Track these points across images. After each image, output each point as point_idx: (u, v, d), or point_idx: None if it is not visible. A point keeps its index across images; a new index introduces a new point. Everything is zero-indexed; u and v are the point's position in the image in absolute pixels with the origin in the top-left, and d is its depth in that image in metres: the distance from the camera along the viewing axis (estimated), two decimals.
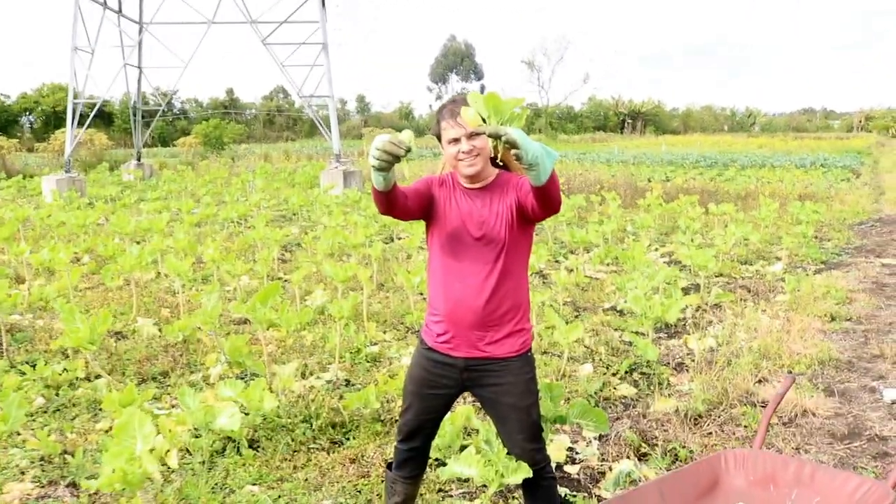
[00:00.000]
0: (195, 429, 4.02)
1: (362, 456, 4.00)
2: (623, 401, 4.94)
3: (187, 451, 4.03)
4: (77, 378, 5.25)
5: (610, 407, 4.82)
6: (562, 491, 3.61)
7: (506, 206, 2.56)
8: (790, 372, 5.34)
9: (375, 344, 6.05)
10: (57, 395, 5.00)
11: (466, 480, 3.59)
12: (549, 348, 5.89)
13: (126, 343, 6.12)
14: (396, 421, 3.01)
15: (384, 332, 6.40)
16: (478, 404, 4.16)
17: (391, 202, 2.42)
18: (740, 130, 78.26)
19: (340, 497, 3.61)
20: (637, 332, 6.08)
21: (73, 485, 3.75)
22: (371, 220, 11.29)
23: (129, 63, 25.63)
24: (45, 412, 4.71)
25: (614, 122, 76.76)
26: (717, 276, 8.70)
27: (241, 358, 4.95)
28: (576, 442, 4.22)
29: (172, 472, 3.79)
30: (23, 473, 3.87)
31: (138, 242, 10.03)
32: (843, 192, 18.84)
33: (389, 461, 3.04)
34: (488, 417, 2.85)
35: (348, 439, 4.25)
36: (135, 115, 27.52)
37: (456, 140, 2.53)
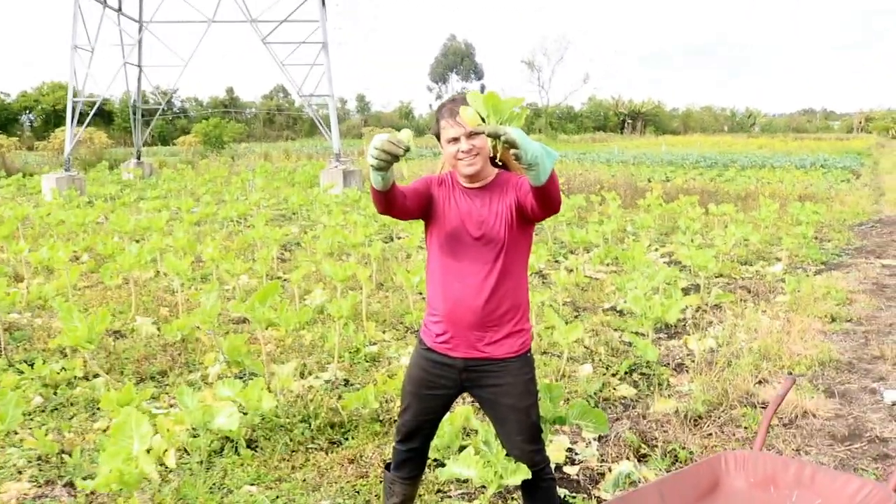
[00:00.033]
0: (193, 428, 4.01)
1: (361, 456, 3.98)
2: (623, 401, 4.92)
3: (185, 450, 4.01)
4: (75, 377, 5.23)
5: (609, 407, 4.80)
6: (561, 492, 3.59)
7: (505, 205, 2.55)
8: (790, 373, 5.33)
9: (374, 344, 6.04)
10: (55, 394, 4.98)
11: (465, 481, 3.57)
12: (548, 348, 5.88)
13: (125, 342, 6.11)
14: (395, 421, 2.99)
15: (383, 332, 6.39)
16: (477, 404, 4.14)
17: (390, 202, 2.41)
18: (740, 131, 78.24)
19: (339, 497, 3.59)
20: (637, 333, 6.06)
21: (71, 484, 3.74)
22: (370, 220, 11.28)
23: (128, 62, 25.62)
24: (43, 411, 4.69)
25: (614, 123, 76.74)
26: (717, 277, 8.68)
27: (239, 357, 4.93)
28: (575, 443, 4.21)
29: (170, 471, 3.78)
30: (20, 473, 3.86)
31: (137, 241, 10.01)
32: (843, 192, 18.83)
33: (388, 462, 3.03)
34: (487, 418, 2.83)
35: (347, 439, 4.24)
36: (135, 113, 27.50)
37: (455, 139, 2.51)
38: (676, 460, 3.98)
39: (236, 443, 4.09)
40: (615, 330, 6.49)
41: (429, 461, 3.21)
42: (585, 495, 3.66)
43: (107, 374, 5.28)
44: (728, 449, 4.03)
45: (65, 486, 3.74)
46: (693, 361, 5.59)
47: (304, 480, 3.75)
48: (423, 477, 3.22)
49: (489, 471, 2.72)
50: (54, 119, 49.19)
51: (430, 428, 2.89)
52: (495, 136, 2.06)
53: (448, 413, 3.35)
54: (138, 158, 27.17)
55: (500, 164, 2.66)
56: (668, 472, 3.80)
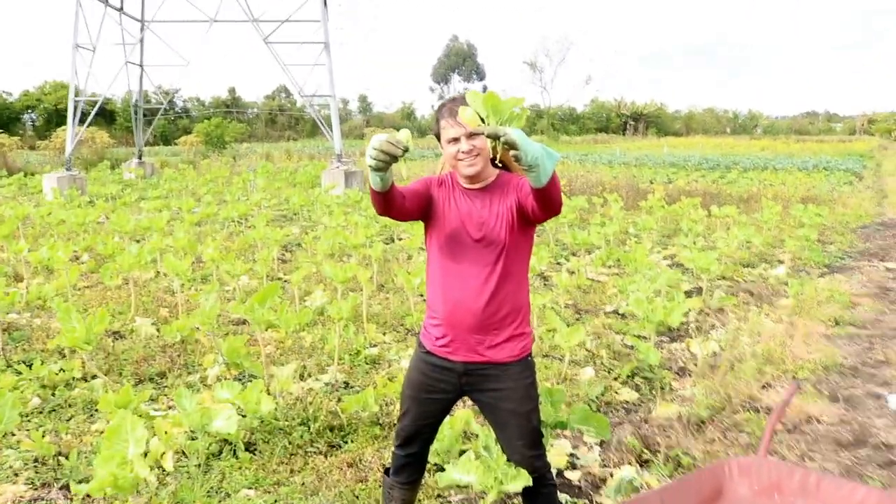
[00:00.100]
0: (191, 431, 3.98)
1: (360, 460, 3.94)
2: (625, 406, 4.88)
3: (183, 453, 3.97)
4: (74, 378, 5.19)
5: (611, 412, 4.76)
6: (562, 497, 3.55)
7: (506, 207, 2.51)
8: (795, 378, 5.29)
9: (375, 346, 6.00)
10: (53, 395, 4.95)
11: (465, 487, 3.53)
12: (550, 351, 5.84)
13: (124, 343, 6.07)
14: (395, 425, 2.96)
15: (384, 334, 6.35)
16: (477, 408, 4.10)
17: (389, 203, 2.37)
18: (743, 133, 78.22)
19: (337, 502, 3.55)
20: (639, 336, 6.02)
21: (67, 487, 3.70)
22: (372, 221, 11.24)
23: (130, 61, 25.61)
24: (41, 412, 4.66)
25: (616, 124, 76.73)
26: (719, 280, 8.64)
27: (238, 359, 4.90)
28: (577, 447, 4.17)
29: (167, 475, 3.74)
30: (16, 475, 3.82)
31: (138, 241, 9.98)
32: (845, 195, 18.77)
33: (387, 466, 3.00)
34: (487, 422, 2.80)
35: (346, 443, 4.20)
36: (136, 113, 27.50)
37: (455, 139, 2.48)
38: (679, 466, 3.94)
39: (235, 446, 4.06)
40: (617, 333, 6.45)
41: (428, 466, 3.18)
42: (587, 501, 3.62)
43: (105, 375, 5.24)
44: (731, 454, 3.99)
45: (61, 488, 3.70)
46: (696, 365, 5.55)
47: (303, 484, 3.71)
48: (423, 482, 3.19)
49: (489, 476, 2.68)
50: (56, 118, 49.22)
51: (429, 432, 2.86)
52: (495, 137, 2.02)
53: (448, 416, 3.32)
54: (140, 158, 27.17)
55: (500, 165, 2.63)
56: (670, 477, 3.76)
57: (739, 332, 6.38)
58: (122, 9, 24.27)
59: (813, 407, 4.68)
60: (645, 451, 4.09)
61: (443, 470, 3.06)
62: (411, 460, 2.88)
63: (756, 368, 5.36)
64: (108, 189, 18.82)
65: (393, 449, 2.91)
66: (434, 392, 2.69)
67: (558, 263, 9.60)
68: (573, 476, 3.84)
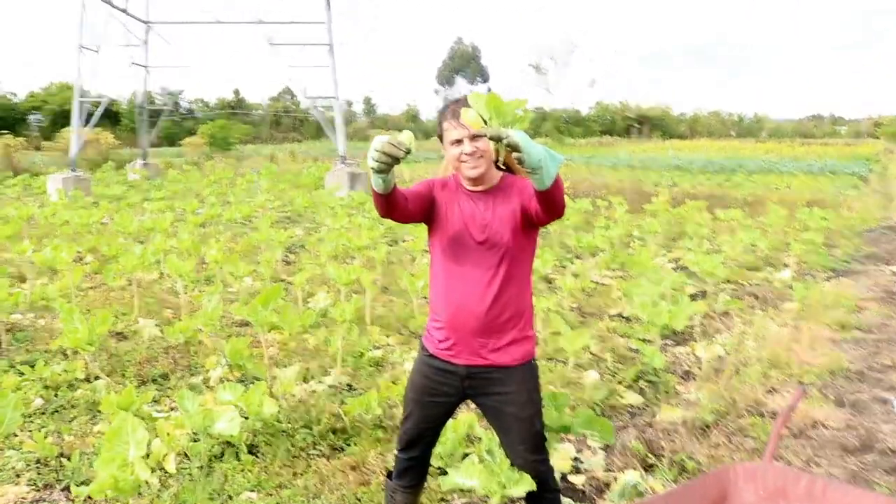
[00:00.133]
0: (194, 433, 3.97)
1: (363, 463, 3.92)
2: (629, 409, 4.85)
3: (185, 455, 3.96)
4: (76, 379, 5.19)
5: (616, 415, 4.74)
6: (566, 502, 3.53)
7: (509, 209, 2.49)
8: (800, 383, 5.25)
9: (378, 348, 5.99)
10: (56, 395, 4.94)
11: (468, 491, 3.51)
12: (554, 355, 5.81)
13: (127, 344, 6.07)
14: (398, 428, 2.94)
15: (387, 336, 6.33)
16: (480, 412, 4.08)
17: (391, 205, 2.35)
18: (748, 136, 78.05)
19: None
20: (644, 340, 6.00)
21: (69, 489, 3.69)
22: (376, 223, 11.23)
23: (135, 62, 25.66)
24: (44, 413, 4.65)
25: (621, 127, 76.61)
26: (724, 283, 8.60)
27: (241, 361, 4.89)
28: (581, 451, 4.14)
29: (170, 477, 3.73)
30: (18, 476, 3.82)
31: (142, 242, 9.99)
32: (851, 198, 18.72)
33: (390, 470, 2.98)
34: (491, 426, 2.78)
35: (349, 445, 4.18)
36: (141, 114, 27.55)
37: (459, 141, 2.46)
38: (684, 470, 3.91)
39: (237, 448, 4.04)
40: (622, 336, 6.43)
41: (431, 469, 3.15)
42: None
43: (108, 376, 5.23)
44: (736, 459, 3.97)
45: (63, 490, 3.69)
46: (700, 369, 5.52)
47: (305, 487, 3.69)
48: (426, 485, 3.17)
49: (492, 481, 2.66)
50: (62, 119, 49.29)
51: (431, 436, 2.84)
52: (497, 139, 1.99)
53: (451, 420, 3.30)
54: (144, 159, 27.22)
55: (503, 167, 2.61)
56: (675, 482, 3.73)
57: (744, 336, 6.35)
58: (126, 10, 24.31)
59: (819, 412, 4.65)
60: (649, 455, 4.07)
61: (446, 474, 3.04)
62: (414, 464, 2.86)
63: (761, 373, 5.34)
64: (112, 190, 18.85)
65: (395, 452, 2.89)
66: (437, 395, 2.68)
67: (563, 266, 9.57)
68: (577, 480, 3.82)
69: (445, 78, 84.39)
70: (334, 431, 4.30)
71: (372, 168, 2.16)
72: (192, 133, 46.31)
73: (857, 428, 4.48)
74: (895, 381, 5.30)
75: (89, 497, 3.43)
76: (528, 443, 2.65)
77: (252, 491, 3.67)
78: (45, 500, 3.60)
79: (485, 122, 2.07)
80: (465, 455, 3.74)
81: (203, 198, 17.33)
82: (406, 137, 2.15)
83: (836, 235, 12.67)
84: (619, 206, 13.83)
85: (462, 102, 2.40)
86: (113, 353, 5.78)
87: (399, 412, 4.37)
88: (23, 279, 8.36)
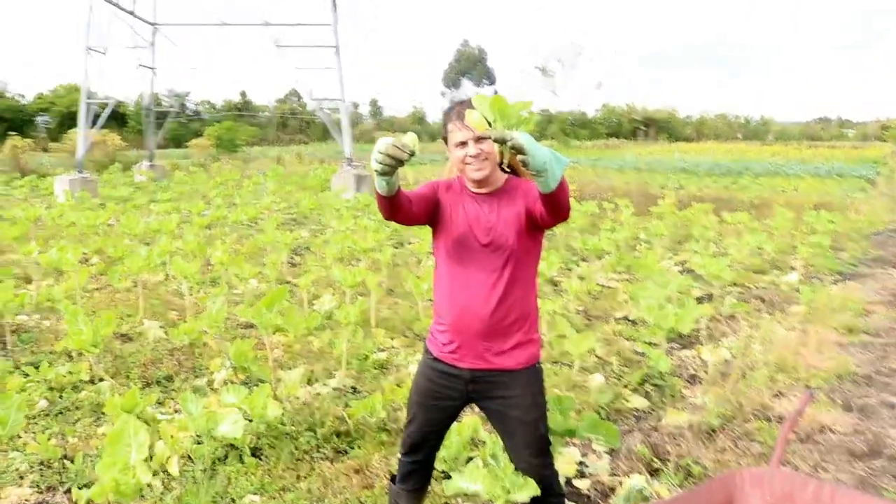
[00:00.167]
0: (198, 435, 3.96)
1: (367, 466, 3.91)
2: (635, 413, 4.82)
3: (189, 457, 3.95)
4: (81, 380, 5.18)
5: (621, 419, 4.71)
6: None
7: (514, 212, 2.47)
8: (807, 387, 5.22)
9: (383, 350, 5.97)
10: (60, 397, 4.93)
11: (472, 495, 3.49)
12: (559, 358, 5.78)
13: (132, 346, 6.06)
14: (402, 431, 2.92)
15: (392, 339, 6.32)
16: (485, 415, 4.06)
17: (395, 207, 2.34)
18: (754, 138, 77.84)
19: None
20: (650, 343, 5.97)
21: (72, 491, 3.68)
22: (381, 225, 11.22)
23: (142, 64, 25.73)
24: (48, 415, 4.65)
25: (628, 129, 76.49)
26: (731, 286, 8.56)
27: (246, 363, 4.88)
28: (586, 455, 4.12)
29: (173, 479, 3.72)
30: (21, 478, 3.81)
31: (148, 244, 10.00)
32: (858, 201, 18.64)
33: (393, 473, 2.96)
34: (495, 430, 2.76)
35: (353, 448, 4.16)
36: (147, 116, 27.62)
37: (463, 143, 2.45)
38: (689, 475, 3.88)
39: (241, 451, 4.03)
40: (627, 339, 6.40)
41: (435, 473, 3.14)
42: None
43: (113, 377, 5.23)
44: (743, 464, 3.94)
45: (66, 492, 3.68)
46: (707, 373, 5.49)
47: (309, 490, 3.68)
48: (429, 489, 3.15)
49: (496, 485, 2.64)
50: (69, 121, 49.47)
51: (435, 440, 2.83)
52: (502, 142, 1.97)
53: (456, 423, 3.28)
54: (151, 161, 27.28)
55: (508, 169, 2.59)
56: (680, 487, 3.71)
57: (751, 340, 6.32)
58: (133, 12, 24.38)
59: (826, 416, 4.62)
60: (655, 459, 4.04)
61: (449, 478, 3.03)
62: (417, 467, 2.84)
63: (768, 376, 5.30)
64: (118, 191, 18.89)
65: (399, 456, 2.88)
66: (441, 399, 2.66)
67: (568, 269, 9.55)
68: (582, 485, 3.79)
69: (451, 80, 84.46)
70: (338, 434, 4.29)
71: (376, 170, 2.14)
72: (198, 135, 46.43)
73: (865, 433, 4.44)
74: None
75: (91, 500, 3.42)
76: (532, 447, 2.63)
77: (255, 494, 3.65)
78: (47, 503, 3.59)
79: (489, 124, 2.05)
80: (470, 459, 3.72)
81: (209, 199, 17.36)
82: (410, 139, 2.13)
83: (843, 238, 12.61)
84: (626, 208, 13.81)
85: (467, 104, 2.39)
86: (118, 354, 5.78)
87: (403, 415, 4.34)
88: (29, 280, 8.37)
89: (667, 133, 75.39)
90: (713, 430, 4.43)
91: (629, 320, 7.12)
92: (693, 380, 5.49)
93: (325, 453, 4.09)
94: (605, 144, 62.10)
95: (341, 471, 3.86)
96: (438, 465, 3.46)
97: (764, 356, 5.82)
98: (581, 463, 4.02)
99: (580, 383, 5.24)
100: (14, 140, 31.28)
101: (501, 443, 2.77)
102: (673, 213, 13.69)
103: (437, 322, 2.65)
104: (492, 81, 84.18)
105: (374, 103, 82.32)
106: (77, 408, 4.75)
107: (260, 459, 4.00)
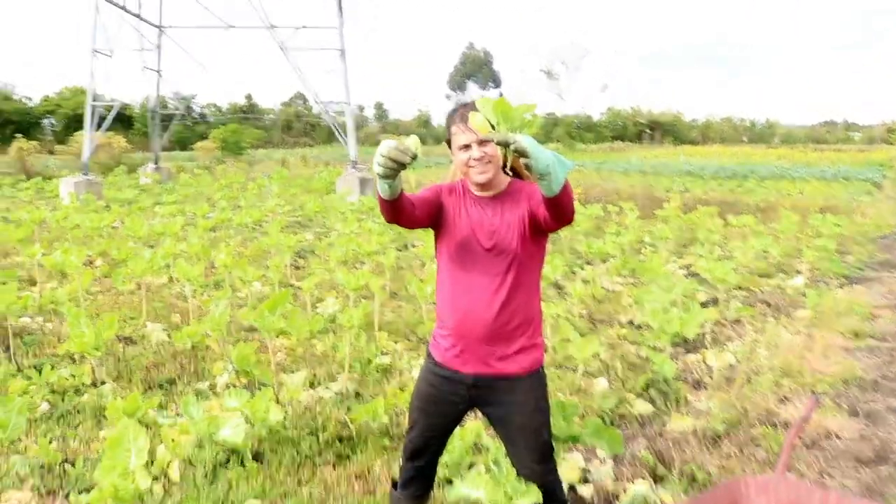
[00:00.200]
0: (199, 439, 3.94)
1: (368, 471, 3.88)
2: (639, 418, 4.78)
3: (190, 462, 3.93)
4: (83, 384, 5.17)
5: (625, 424, 4.67)
6: None
7: (517, 215, 2.45)
8: (813, 392, 5.17)
9: (386, 354, 5.94)
10: (62, 400, 4.92)
11: (474, 501, 3.46)
12: (563, 362, 5.75)
13: (135, 349, 6.05)
14: (404, 436, 2.90)
15: (396, 342, 6.29)
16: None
17: (397, 211, 2.32)
18: (760, 142, 77.71)
19: None
20: (654, 347, 5.93)
21: (71, 496, 3.66)
22: (386, 228, 11.20)
23: (148, 67, 25.79)
24: (50, 418, 4.63)
25: (633, 133, 76.47)
26: (736, 290, 8.52)
27: (248, 367, 4.86)
28: (589, 461, 4.08)
29: (173, 484, 3.70)
30: (22, 482, 3.79)
31: (152, 246, 10.00)
32: (865, 205, 18.56)
33: (395, 479, 2.94)
34: (497, 436, 2.73)
35: (355, 453, 4.13)
36: (153, 118, 27.68)
37: (467, 146, 2.42)
38: (694, 481, 3.84)
39: (242, 455, 4.00)
40: (632, 344, 6.36)
41: (437, 479, 3.11)
42: None
43: (115, 381, 5.22)
44: (748, 471, 3.90)
45: (66, 496, 3.66)
46: (712, 378, 5.45)
47: (310, 496, 3.65)
48: (431, 495, 3.12)
49: (498, 492, 2.61)
50: (75, 123, 49.67)
51: (437, 445, 2.80)
52: (505, 145, 1.94)
53: (458, 428, 3.26)
54: (156, 163, 27.34)
55: (511, 172, 2.56)
56: (685, 493, 3.67)
57: (756, 344, 6.27)
58: (140, 15, 24.45)
59: (832, 422, 4.58)
60: (659, 465, 4.01)
61: (451, 483, 3.00)
62: (419, 473, 2.82)
63: (773, 381, 5.26)
64: (124, 194, 18.92)
65: (400, 462, 2.85)
66: (443, 404, 2.64)
67: (573, 272, 9.51)
68: (586, 491, 3.76)
69: (457, 83, 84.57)
70: (340, 439, 4.27)
71: (378, 174, 2.12)
72: (203, 137, 46.57)
73: (872, 439, 4.40)
74: None
75: None
76: (535, 453, 2.60)
77: (256, 499, 3.62)
78: None
79: (493, 126, 2.02)
80: (472, 465, 3.69)
81: (214, 202, 17.37)
82: (412, 142, 2.10)
83: (849, 242, 12.55)
84: (631, 211, 13.76)
85: (471, 106, 2.37)
86: (120, 357, 5.77)
87: (406, 420, 4.33)
88: (33, 282, 8.37)
89: (672, 136, 75.38)
90: (718, 436, 4.39)
91: (634, 324, 7.08)
92: (698, 385, 5.45)
93: (326, 458, 4.06)
94: (610, 147, 62.05)
95: (343, 476, 3.83)
96: (440, 471, 3.43)
97: (769, 361, 5.78)
98: (584, 469, 3.99)
99: (584, 388, 5.20)
100: (20, 142, 31.41)
101: (504, 449, 2.74)
102: (678, 216, 13.64)
103: (439, 326, 2.63)
104: (497, 84, 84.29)
105: (379, 106, 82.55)
106: (79, 411, 4.74)
107: (261, 464, 3.97)
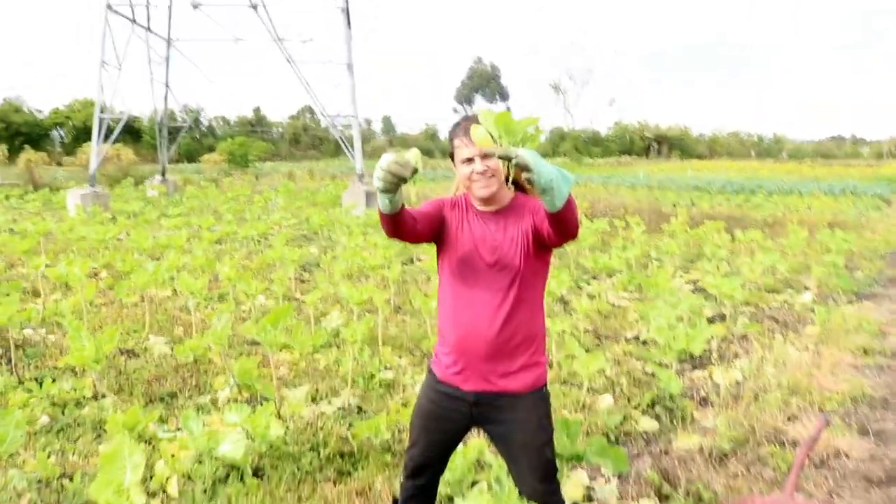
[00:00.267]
0: (198, 455, 3.89)
1: (370, 488, 3.83)
2: (644, 436, 4.72)
3: (189, 477, 3.88)
4: (84, 397, 5.14)
5: (630, 442, 4.61)
6: None
7: (521, 230, 2.41)
8: (822, 411, 5.10)
9: (390, 369, 5.89)
10: (63, 413, 4.89)
11: None
12: (568, 378, 5.69)
13: (136, 361, 6.02)
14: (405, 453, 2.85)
15: (399, 357, 6.24)
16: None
17: (398, 225, 2.28)
18: (767, 156, 77.59)
19: None
20: (660, 364, 5.87)
21: None
22: (390, 242, 11.17)
23: (156, 79, 25.94)
24: (49, 431, 4.59)
25: (640, 147, 76.48)
26: (743, 306, 8.45)
27: (250, 381, 4.82)
28: (594, 479, 4.02)
29: (172, 500, 3.65)
30: (19, 496, 3.75)
31: (157, 259, 9.99)
32: (874, 220, 18.46)
33: (396, 497, 2.89)
34: (499, 454, 2.68)
35: (356, 470, 4.08)
36: (161, 131, 27.81)
37: (469, 160, 2.39)
38: (700, 501, 3.78)
39: (242, 470, 3.95)
40: (638, 360, 6.29)
41: (439, 496, 3.06)
42: None
43: (116, 394, 5.18)
44: (755, 490, 3.84)
45: None
46: (718, 395, 5.38)
47: None
48: None
49: None
50: (84, 135, 49.98)
51: (438, 463, 2.75)
52: (507, 158, 1.91)
53: (461, 445, 3.21)
54: (163, 175, 27.43)
55: (513, 186, 2.53)
56: None
57: (764, 361, 6.20)
58: (148, 27, 24.60)
59: (841, 441, 4.51)
60: (665, 484, 3.94)
61: (453, 501, 2.95)
62: (420, 491, 2.77)
63: (781, 399, 5.19)
64: (130, 206, 18.97)
65: (401, 480, 2.80)
66: (444, 421, 2.59)
67: (579, 287, 9.45)
68: None
69: (464, 97, 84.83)
70: (341, 455, 4.22)
71: (378, 188, 2.09)
72: (211, 150, 46.78)
73: (882, 459, 4.33)
74: None
75: None
76: (538, 472, 2.55)
77: None
78: None
79: (495, 140, 1.99)
80: (475, 482, 3.64)
81: (220, 214, 17.38)
82: (412, 156, 2.07)
83: (857, 258, 12.46)
84: (637, 226, 13.71)
85: (474, 120, 2.34)
86: (122, 370, 5.74)
87: (408, 436, 4.27)
88: (37, 294, 8.36)
89: (679, 151, 75.32)
90: (725, 455, 4.32)
91: (640, 340, 7.02)
92: (704, 402, 5.38)
93: (327, 474, 4.01)
94: (617, 162, 62.05)
95: (343, 493, 3.78)
96: (442, 489, 3.38)
97: (777, 378, 5.70)
98: (589, 487, 3.93)
99: (589, 404, 5.14)
100: (28, 154, 31.60)
101: (507, 467, 2.69)
102: (685, 231, 13.58)
103: (440, 343, 2.59)
104: (505, 98, 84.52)
105: (386, 120, 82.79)
106: (79, 424, 4.70)
107: (261, 480, 3.93)
